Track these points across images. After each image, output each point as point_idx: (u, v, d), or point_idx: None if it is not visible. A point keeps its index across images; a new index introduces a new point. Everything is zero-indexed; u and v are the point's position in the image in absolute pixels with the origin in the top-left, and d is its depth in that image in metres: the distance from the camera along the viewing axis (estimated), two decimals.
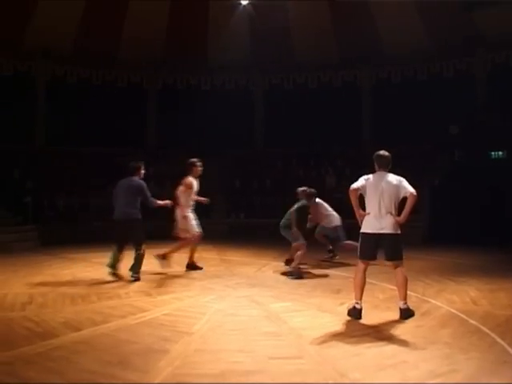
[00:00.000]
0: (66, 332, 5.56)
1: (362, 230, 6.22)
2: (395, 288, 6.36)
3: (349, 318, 6.10)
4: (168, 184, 17.41)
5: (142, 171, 8.94)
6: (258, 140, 20.40)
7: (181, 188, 9.38)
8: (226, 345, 5.18)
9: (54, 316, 6.19)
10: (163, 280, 8.74)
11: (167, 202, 9.18)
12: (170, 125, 19.30)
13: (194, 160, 9.45)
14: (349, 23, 17.74)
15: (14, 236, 13.44)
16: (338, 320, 6.07)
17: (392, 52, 18.36)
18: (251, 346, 5.13)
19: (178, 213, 9.34)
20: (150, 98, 20.30)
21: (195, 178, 9.41)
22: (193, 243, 9.52)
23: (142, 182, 8.77)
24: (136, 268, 8.61)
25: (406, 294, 6.17)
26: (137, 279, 8.52)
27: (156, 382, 4.25)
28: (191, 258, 9.73)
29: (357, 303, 6.16)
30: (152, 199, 8.83)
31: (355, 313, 6.12)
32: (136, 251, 8.65)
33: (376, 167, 6.35)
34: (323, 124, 18.88)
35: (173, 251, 9.45)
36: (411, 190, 6.06)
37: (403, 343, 5.18)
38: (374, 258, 6.24)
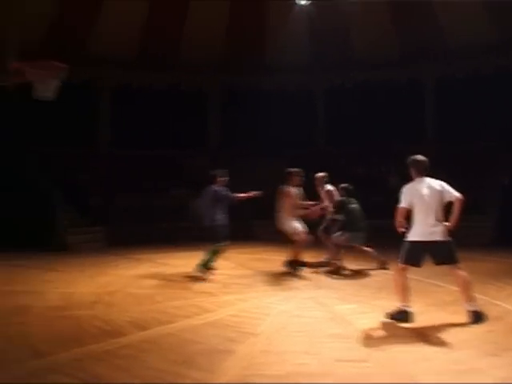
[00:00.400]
0: (132, 331, 5.66)
1: (410, 239, 6.02)
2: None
3: (410, 322, 5.91)
4: (231, 185, 17.64)
5: (221, 179, 9.36)
6: (320, 139, 20.24)
7: (282, 199, 9.41)
8: (292, 346, 5.13)
9: (120, 315, 6.32)
10: (228, 281, 8.78)
11: (251, 193, 9.47)
12: (232, 126, 19.44)
13: (293, 170, 9.48)
14: (409, 18, 17.31)
15: (82, 237, 13.89)
16: (404, 323, 5.91)
17: (455, 46, 17.76)
18: (317, 347, 5.07)
19: (282, 221, 9.43)
20: (211, 100, 20.49)
21: (295, 186, 9.38)
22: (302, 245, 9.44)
23: (217, 189, 9.20)
24: (204, 265, 8.98)
25: (470, 296, 5.95)
26: (202, 276, 8.87)
27: (222, 382, 4.27)
28: (295, 256, 9.53)
29: (406, 306, 5.98)
30: (233, 196, 9.35)
31: (406, 317, 5.93)
32: (211, 251, 9.06)
33: (413, 173, 6.18)
34: (385, 122, 18.55)
35: (296, 255, 9.45)
36: (456, 194, 5.92)
37: (474, 349, 4.97)
38: (418, 264, 6.08)
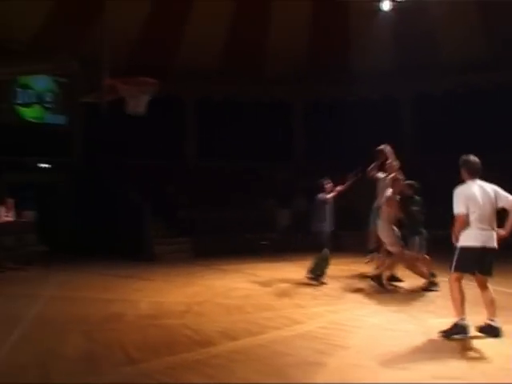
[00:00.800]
0: (222, 341, 5.67)
1: (463, 244, 5.63)
2: None
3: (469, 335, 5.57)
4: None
5: (326, 186, 9.53)
6: (407, 148, 19.67)
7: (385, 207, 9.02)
8: (385, 361, 4.94)
9: (210, 325, 6.36)
10: (316, 292, 8.66)
11: (338, 188, 9.63)
12: (317, 137, 19.32)
13: (399, 177, 9.16)
14: (501, 19, 16.48)
15: (170, 248, 14.22)
16: (504, 340, 5.55)
17: None
18: (411, 363, 4.86)
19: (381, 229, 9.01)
20: (295, 111, 20.49)
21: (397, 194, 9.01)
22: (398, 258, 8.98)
23: (322, 196, 9.43)
24: (315, 271, 9.31)
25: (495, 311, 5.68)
26: (314, 280, 9.25)
27: None
28: (388, 269, 9.12)
29: (463, 319, 5.63)
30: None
31: (465, 330, 5.59)
32: (318, 256, 9.34)
33: (466, 175, 5.80)
34: (476, 130, 17.75)
35: (389, 268, 9.08)
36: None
37: None
38: (473, 272, 5.76)
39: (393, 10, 16.25)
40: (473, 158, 5.86)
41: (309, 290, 8.87)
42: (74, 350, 5.52)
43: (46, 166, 16.60)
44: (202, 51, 17.65)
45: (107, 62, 6.65)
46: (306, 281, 9.47)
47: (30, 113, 16.61)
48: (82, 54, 9.02)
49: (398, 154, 10.38)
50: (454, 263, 5.74)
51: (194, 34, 17.12)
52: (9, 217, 12.63)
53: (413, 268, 8.91)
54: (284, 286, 9.41)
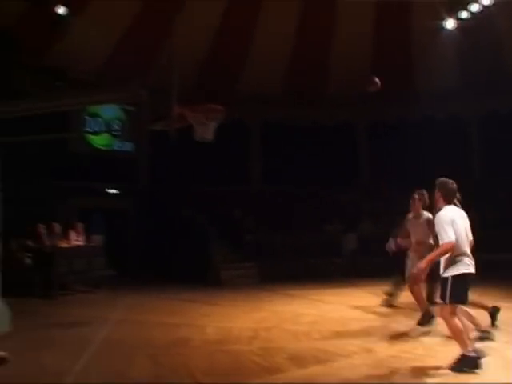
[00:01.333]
0: (291, 368, 5.54)
1: (457, 272, 5.29)
2: None
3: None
4: (385, 220, 17.19)
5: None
6: (475, 170, 19.08)
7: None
8: None
9: (278, 351, 6.23)
10: (385, 320, 8.35)
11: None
12: (381, 158, 19.01)
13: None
14: None
15: (236, 272, 14.19)
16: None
17: None
18: None
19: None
20: (359, 135, 20.27)
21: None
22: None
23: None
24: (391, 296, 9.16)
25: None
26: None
27: None
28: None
29: (472, 351, 5.24)
30: None
31: (475, 363, 5.18)
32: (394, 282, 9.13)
33: (441, 199, 5.60)
34: None
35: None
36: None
37: None
38: (466, 301, 5.55)
39: (457, 28, 15.89)
40: (451, 181, 5.64)
41: (377, 317, 8.60)
42: (141, 373, 5.54)
43: (114, 191, 17.02)
44: (265, 75, 17.75)
45: (176, 89, 6.74)
46: (375, 307, 9.21)
47: (99, 140, 17.13)
48: (150, 82, 9.24)
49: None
50: (447, 294, 5.32)
51: (257, 58, 17.30)
52: (79, 241, 13.01)
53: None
54: (352, 312, 9.18)
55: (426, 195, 7.82)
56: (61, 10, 12.87)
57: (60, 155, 15.27)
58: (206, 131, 7.56)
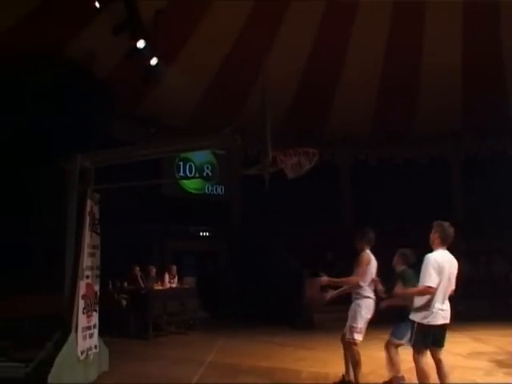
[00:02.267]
0: None
1: (421, 321, 5.52)
2: None
3: None
4: (482, 259, 16.40)
5: None
6: None
7: None
8: None
9: None
10: (490, 367, 7.85)
11: None
12: (479, 195, 18.19)
13: None
14: None
15: (329, 316, 13.77)
16: None
17: None
18: None
19: None
20: (453, 171, 19.58)
21: None
22: None
23: None
24: None
25: None
26: None
27: None
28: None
29: None
30: None
31: None
32: None
33: (438, 241, 5.63)
34: None
35: None
36: None
37: None
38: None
39: None
40: (447, 224, 5.60)
41: (482, 364, 8.11)
42: None
43: (207, 234, 17.31)
44: (354, 114, 17.67)
45: (270, 133, 6.80)
46: (477, 354, 8.66)
47: (191, 184, 17.60)
48: (241, 126, 9.41)
49: None
50: (412, 337, 5.65)
51: (344, 97, 17.26)
52: (172, 283, 13.28)
53: None
54: (453, 358, 8.61)
55: None
56: (153, 61, 13.46)
57: (154, 200, 15.79)
58: (298, 174, 7.50)
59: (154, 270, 13.29)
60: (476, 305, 14.36)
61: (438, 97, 17.04)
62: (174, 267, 13.66)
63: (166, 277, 13.20)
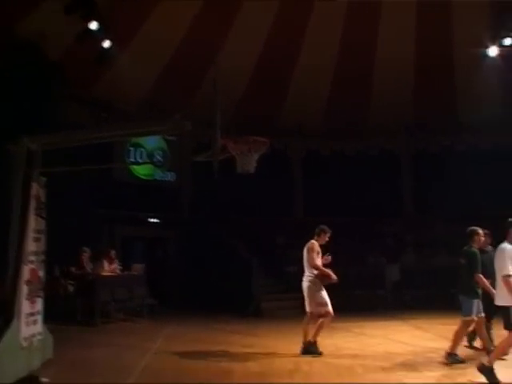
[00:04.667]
0: None
1: None
2: None
3: None
4: (427, 251, 16.91)
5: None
6: None
7: None
8: None
9: None
10: (429, 355, 8.08)
11: None
12: (426, 189, 18.70)
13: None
14: None
15: (278, 304, 14.05)
16: None
17: None
18: None
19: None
20: (403, 164, 20.02)
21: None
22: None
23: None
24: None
25: None
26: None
27: None
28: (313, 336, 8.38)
29: None
30: None
31: None
32: None
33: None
34: None
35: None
36: None
37: None
38: None
39: (499, 55, 15.58)
40: None
41: (422, 351, 8.33)
42: None
43: (156, 220, 17.18)
44: (307, 105, 17.82)
45: (219, 120, 6.80)
46: (418, 341, 8.95)
47: (142, 170, 17.40)
48: (193, 113, 9.38)
49: None
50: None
51: (298, 89, 17.38)
52: (112, 270, 13.02)
53: None
54: (395, 346, 8.94)
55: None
56: (106, 43, 13.21)
57: (105, 185, 15.56)
58: (248, 163, 7.58)
59: (99, 254, 13.03)
60: (421, 295, 14.84)
61: (390, 92, 17.33)
62: (113, 252, 13.39)
63: (104, 263, 12.92)
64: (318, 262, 8.56)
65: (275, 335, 10.30)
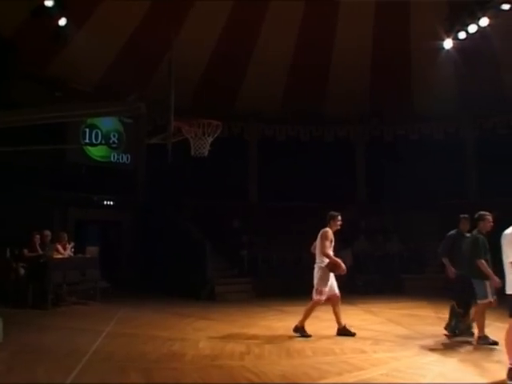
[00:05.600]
0: None
1: None
2: None
3: None
4: (380, 238, 17.29)
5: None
6: (471, 190, 19.08)
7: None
8: None
9: (271, 368, 6.21)
10: (378, 337, 8.33)
11: None
12: (380, 177, 19.08)
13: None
14: None
15: (231, 287, 14.17)
16: None
17: None
18: None
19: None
20: (357, 152, 20.35)
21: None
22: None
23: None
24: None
25: None
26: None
27: None
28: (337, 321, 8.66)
29: None
30: None
31: None
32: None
33: None
34: None
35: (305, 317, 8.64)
36: None
37: None
38: None
39: (454, 48, 15.94)
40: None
41: (371, 334, 8.57)
42: None
43: (111, 203, 17.00)
44: (264, 90, 17.85)
45: (173, 103, 6.77)
46: (367, 325, 9.21)
47: (97, 152, 17.15)
48: (149, 95, 9.34)
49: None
50: None
51: (256, 80, 17.41)
52: (65, 252, 12.84)
53: None
54: None
55: None
56: (62, 21, 12.93)
57: (58, 166, 15.29)
58: (202, 146, 7.61)
59: (50, 236, 12.82)
60: (372, 280, 15.20)
61: (347, 81, 17.60)
62: (65, 235, 13.20)
63: (57, 246, 12.72)
64: (330, 250, 8.55)
65: (228, 318, 10.39)
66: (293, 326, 8.64)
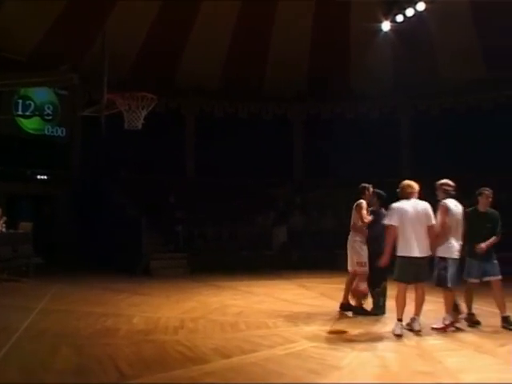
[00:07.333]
0: (216, 358, 5.63)
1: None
2: None
3: None
4: (315, 213, 17.66)
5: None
6: (405, 168, 19.69)
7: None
8: (377, 382, 4.91)
9: (204, 342, 6.31)
10: (310, 311, 8.57)
11: None
12: (317, 154, 19.40)
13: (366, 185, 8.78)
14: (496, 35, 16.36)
15: (166, 263, 14.19)
16: (499, 363, 5.53)
17: None
18: None
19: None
20: (295, 129, 20.59)
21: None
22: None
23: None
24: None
25: None
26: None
27: None
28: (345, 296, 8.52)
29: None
30: None
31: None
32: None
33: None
34: (474, 149, 17.67)
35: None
36: None
37: None
38: None
39: (392, 30, 16.30)
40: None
41: (304, 308, 8.81)
42: (64, 363, 5.47)
43: (44, 177, 16.57)
44: (204, 66, 17.76)
45: (107, 75, 6.68)
46: (301, 299, 9.45)
47: (30, 124, 16.62)
48: (82, 68, 9.12)
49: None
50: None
51: (195, 55, 17.26)
52: None
53: None
54: (279, 303, 9.38)
55: None
56: None
57: None
58: (136, 119, 7.56)
59: None
60: (307, 255, 15.52)
61: (286, 59, 17.75)
62: None
63: None
64: (369, 218, 8.35)
65: (163, 294, 10.43)
66: (227, 300, 8.77)
